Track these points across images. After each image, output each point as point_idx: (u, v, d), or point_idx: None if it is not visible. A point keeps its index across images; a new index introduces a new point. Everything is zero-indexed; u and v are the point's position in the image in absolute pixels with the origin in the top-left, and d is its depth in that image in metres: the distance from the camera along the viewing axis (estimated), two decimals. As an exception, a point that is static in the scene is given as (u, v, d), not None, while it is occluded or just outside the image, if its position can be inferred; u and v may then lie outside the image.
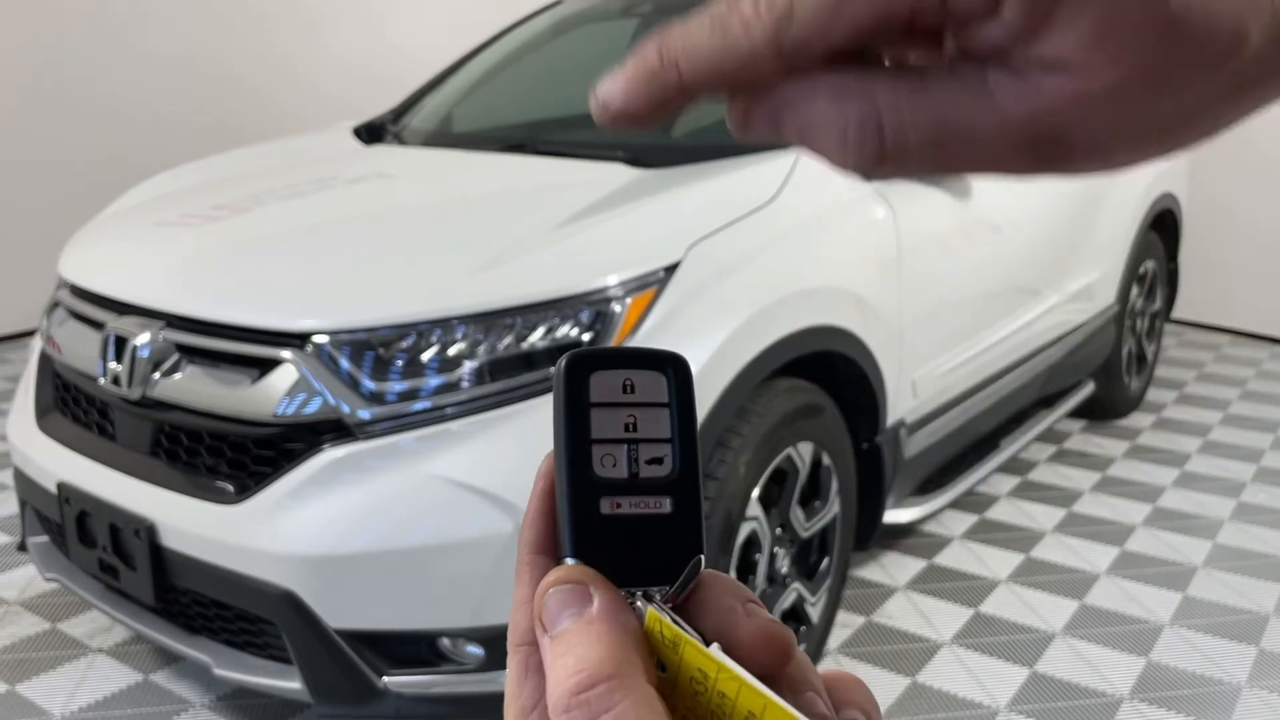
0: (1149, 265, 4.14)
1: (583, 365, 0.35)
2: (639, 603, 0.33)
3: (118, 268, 2.31)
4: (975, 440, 3.14)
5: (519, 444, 1.86)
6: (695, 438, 0.36)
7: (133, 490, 2.01)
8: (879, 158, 0.29)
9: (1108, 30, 0.27)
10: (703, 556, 0.35)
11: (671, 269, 2.02)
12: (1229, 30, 0.27)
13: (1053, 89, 0.27)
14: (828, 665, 2.49)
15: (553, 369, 1.89)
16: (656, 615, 0.32)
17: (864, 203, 2.49)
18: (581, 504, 0.34)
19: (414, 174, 2.73)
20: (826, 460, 2.35)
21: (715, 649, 0.31)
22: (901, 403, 2.59)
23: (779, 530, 2.27)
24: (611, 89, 0.31)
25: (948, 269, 2.75)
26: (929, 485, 2.92)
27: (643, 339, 1.94)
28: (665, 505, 0.35)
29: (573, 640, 0.31)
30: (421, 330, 1.91)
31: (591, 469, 0.35)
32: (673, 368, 0.36)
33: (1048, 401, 3.64)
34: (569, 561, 0.34)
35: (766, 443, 2.13)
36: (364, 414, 1.87)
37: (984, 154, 0.29)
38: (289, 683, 1.92)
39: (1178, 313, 5.20)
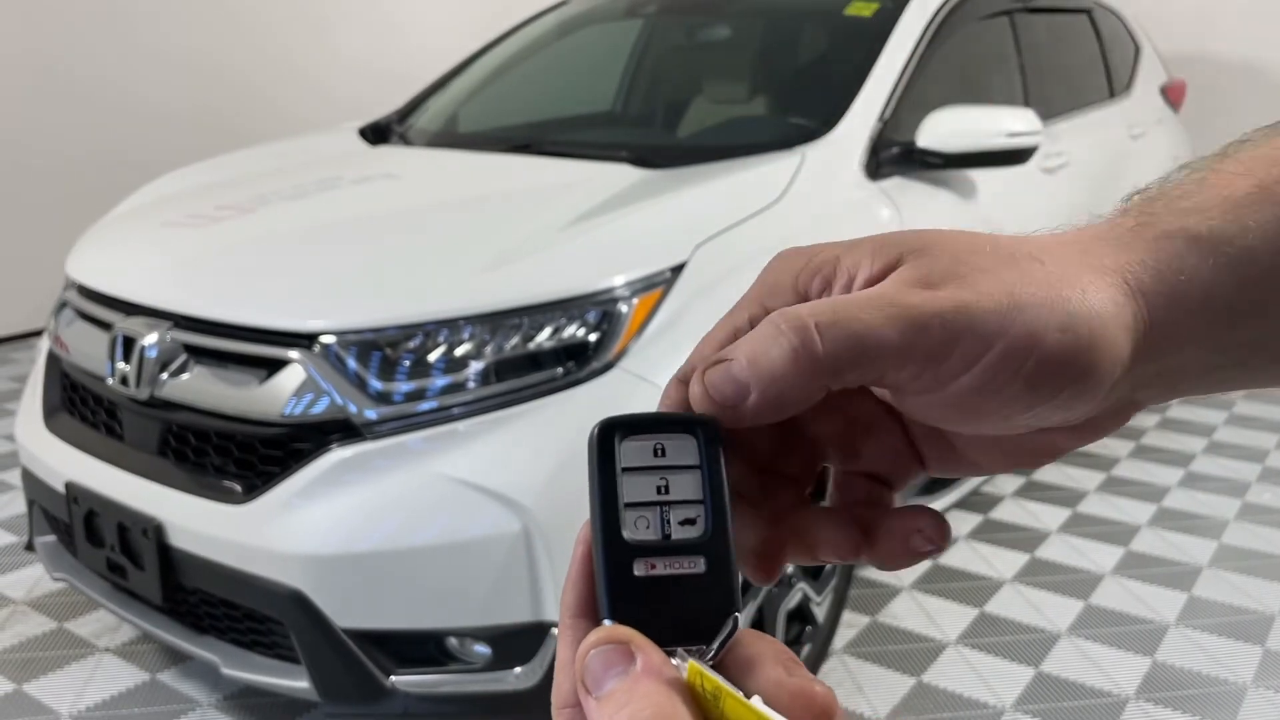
0: (1154, 265, 4.13)
1: (613, 432, 0.37)
2: (677, 660, 0.33)
3: (125, 268, 2.31)
4: (980, 440, 3.14)
5: (526, 444, 1.86)
6: (726, 497, 0.36)
7: (141, 490, 2.02)
8: None
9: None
10: (739, 614, 0.35)
11: (678, 269, 2.02)
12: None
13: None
14: (832, 665, 2.49)
15: (559, 369, 1.90)
16: (698, 668, 0.32)
17: (870, 204, 2.49)
18: (617, 566, 0.35)
19: (419, 174, 2.73)
20: (832, 460, 2.35)
21: (756, 701, 0.31)
22: (907, 403, 2.59)
23: (785, 530, 2.27)
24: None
25: (953, 269, 2.75)
26: (934, 485, 2.92)
27: (649, 339, 1.94)
28: (699, 565, 0.36)
29: (621, 699, 0.31)
30: (428, 330, 1.91)
31: (625, 532, 0.36)
32: (702, 430, 0.37)
33: (1052, 401, 3.63)
34: (607, 623, 0.34)
35: (772, 443, 2.13)
36: (371, 414, 1.88)
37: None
38: (297, 682, 1.93)
39: (1182, 313, 5.19)
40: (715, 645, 0.35)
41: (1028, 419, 0.37)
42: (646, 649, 0.33)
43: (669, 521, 0.36)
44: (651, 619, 0.34)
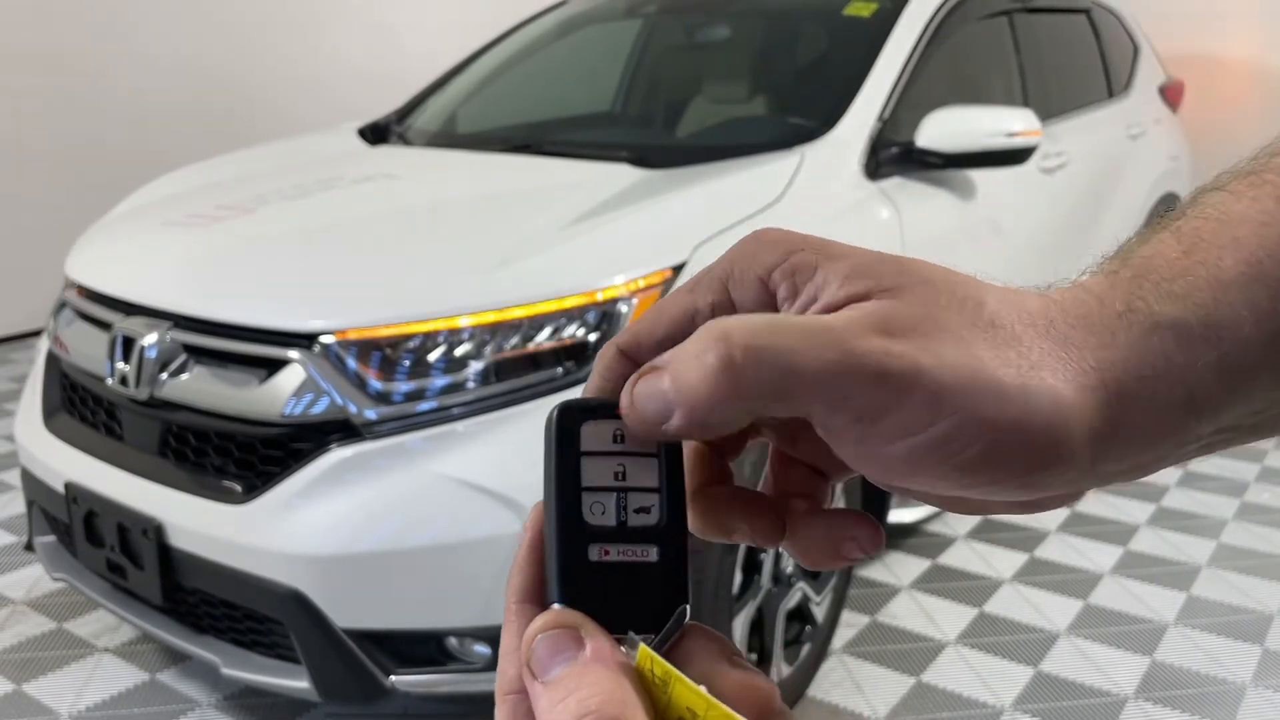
0: (1152, 265, 4.13)
1: (574, 415, 0.36)
2: (625, 647, 0.33)
3: (125, 268, 2.31)
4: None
5: (525, 444, 1.86)
6: (683, 488, 0.36)
7: (140, 490, 2.02)
8: None
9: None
10: (688, 606, 0.35)
11: (678, 269, 2.03)
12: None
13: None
14: (831, 665, 2.50)
15: (559, 369, 1.90)
16: (648, 652, 0.32)
17: (869, 204, 2.49)
18: (570, 550, 0.35)
19: (419, 174, 2.74)
20: (831, 460, 2.35)
21: (704, 688, 0.31)
22: (906, 403, 2.59)
23: (784, 530, 2.27)
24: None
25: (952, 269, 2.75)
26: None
27: (649, 339, 1.94)
28: (652, 554, 0.35)
29: (570, 685, 0.31)
30: (428, 330, 1.91)
31: (581, 516, 0.35)
32: None
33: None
34: (556, 607, 0.34)
35: (772, 443, 2.13)
36: (371, 414, 1.88)
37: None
38: (296, 682, 1.93)
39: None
40: (663, 634, 0.34)
41: (955, 492, 0.35)
42: (596, 634, 0.33)
43: (625, 508, 0.35)
44: (601, 605, 0.34)
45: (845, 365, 0.32)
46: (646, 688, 0.32)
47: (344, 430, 1.89)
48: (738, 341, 0.32)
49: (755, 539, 0.39)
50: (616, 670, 0.31)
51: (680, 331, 0.36)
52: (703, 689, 0.31)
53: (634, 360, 0.37)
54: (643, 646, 0.32)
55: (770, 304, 0.36)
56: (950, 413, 0.32)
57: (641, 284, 1.98)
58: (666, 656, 0.33)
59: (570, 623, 0.33)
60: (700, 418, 0.33)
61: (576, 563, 0.35)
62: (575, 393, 1.85)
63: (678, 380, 0.33)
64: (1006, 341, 0.33)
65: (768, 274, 0.36)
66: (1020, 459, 0.33)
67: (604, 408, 0.36)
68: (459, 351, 1.91)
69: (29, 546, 2.42)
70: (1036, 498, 0.35)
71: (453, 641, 1.91)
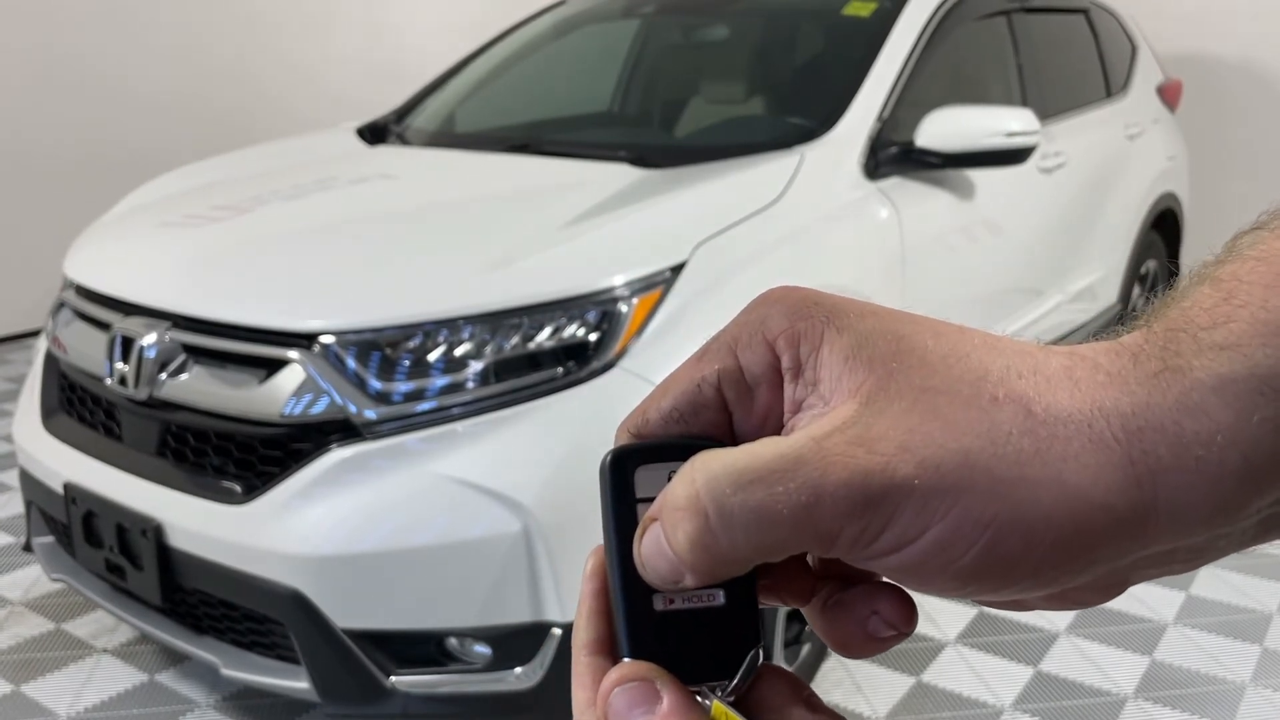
0: (1150, 265, 4.14)
1: (627, 461, 0.35)
2: (699, 699, 0.33)
3: (124, 268, 2.31)
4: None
5: (526, 444, 1.86)
6: None
7: (139, 490, 2.01)
8: None
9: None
10: (761, 649, 0.34)
11: (678, 269, 2.02)
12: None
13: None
14: (831, 665, 2.50)
15: (559, 369, 1.90)
16: (723, 709, 0.32)
17: (868, 203, 2.49)
18: (635, 602, 0.34)
19: (418, 174, 2.73)
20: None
21: None
22: (905, 402, 2.59)
23: (784, 530, 2.27)
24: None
25: (951, 269, 2.75)
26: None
27: (649, 339, 1.94)
28: (719, 598, 0.35)
29: None
30: (428, 330, 1.91)
31: None
32: None
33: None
34: (627, 661, 0.34)
35: (772, 442, 2.13)
36: (370, 414, 1.87)
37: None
38: (296, 682, 1.92)
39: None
40: (736, 680, 0.34)
41: (974, 596, 0.33)
42: (673, 687, 0.32)
43: None
44: (672, 655, 0.34)
45: (825, 505, 0.30)
46: None
47: (344, 430, 1.88)
48: (707, 506, 0.31)
49: (785, 598, 0.37)
50: None
51: (687, 403, 0.35)
52: None
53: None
54: (716, 702, 0.32)
55: (777, 366, 0.34)
56: (941, 516, 0.30)
57: (641, 284, 1.98)
58: (741, 701, 0.34)
59: (646, 675, 0.33)
60: (709, 577, 0.32)
61: (643, 615, 0.34)
62: (575, 392, 1.83)
63: (672, 543, 0.32)
64: (1011, 421, 0.30)
65: (775, 339, 0.34)
66: (1026, 558, 0.30)
67: (657, 450, 0.35)
68: (458, 351, 1.90)
69: (27, 547, 2.42)
70: (1068, 593, 0.33)
71: (453, 642, 1.91)
